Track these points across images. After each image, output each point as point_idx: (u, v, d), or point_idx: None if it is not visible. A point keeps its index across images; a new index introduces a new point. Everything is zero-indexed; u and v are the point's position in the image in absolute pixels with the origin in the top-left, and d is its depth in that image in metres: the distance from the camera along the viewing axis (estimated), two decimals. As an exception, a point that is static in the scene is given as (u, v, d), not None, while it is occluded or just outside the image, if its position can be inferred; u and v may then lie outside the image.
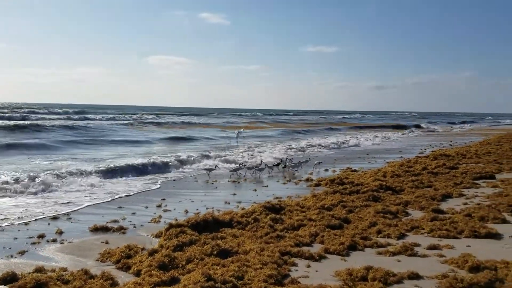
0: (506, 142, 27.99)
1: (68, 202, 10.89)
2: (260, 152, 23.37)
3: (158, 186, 13.60)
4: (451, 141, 34.77)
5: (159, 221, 8.97)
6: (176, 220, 8.50)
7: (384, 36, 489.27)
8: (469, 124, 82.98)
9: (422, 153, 24.03)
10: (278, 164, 17.29)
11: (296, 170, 16.83)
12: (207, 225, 7.81)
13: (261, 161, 17.56)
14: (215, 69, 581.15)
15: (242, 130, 17.15)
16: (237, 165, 16.91)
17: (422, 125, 67.26)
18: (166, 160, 18.11)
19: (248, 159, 19.88)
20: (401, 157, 21.77)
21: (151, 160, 17.79)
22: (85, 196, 11.64)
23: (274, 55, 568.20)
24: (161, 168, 17.05)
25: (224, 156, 20.51)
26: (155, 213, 9.78)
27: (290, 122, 71.94)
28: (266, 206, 9.04)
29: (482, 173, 14.26)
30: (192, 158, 19.11)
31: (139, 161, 17.56)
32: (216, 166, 16.54)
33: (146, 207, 10.39)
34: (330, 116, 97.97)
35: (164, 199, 11.30)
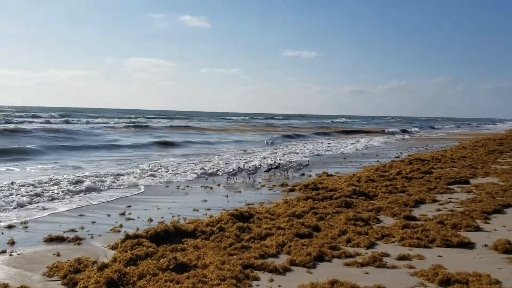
0: (482, 147, 28.31)
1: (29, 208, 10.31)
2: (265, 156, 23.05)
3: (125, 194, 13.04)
4: (427, 146, 35.06)
5: (119, 231, 8.45)
6: (138, 229, 8.03)
7: (362, 41, 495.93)
8: (450, 127, 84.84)
9: (398, 157, 24.05)
10: (277, 167, 17.42)
11: (298, 171, 17.36)
12: (168, 235, 7.36)
13: (260, 165, 17.65)
14: (195, 72, 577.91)
15: (273, 137, 17.09)
16: (233, 169, 16.49)
17: (410, 129, 68.46)
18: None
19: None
20: (377, 161, 21.69)
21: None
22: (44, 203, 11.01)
23: (254, 59, 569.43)
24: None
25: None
26: (116, 221, 9.24)
27: (280, 126, 71.89)
28: (234, 214, 8.63)
29: (456, 178, 14.18)
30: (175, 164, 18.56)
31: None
32: (239, 167, 16.05)
33: (109, 215, 9.84)
34: (319, 121, 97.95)
35: (129, 206, 10.77)
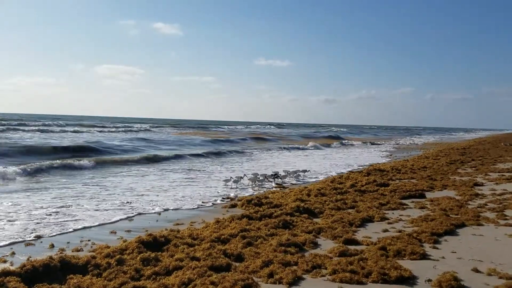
0: (444, 156, 27.91)
1: None
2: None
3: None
4: (391, 155, 34.61)
5: (5, 261, 6.96)
6: (29, 258, 6.61)
7: (333, 51, 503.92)
8: (417, 136, 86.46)
9: (361, 166, 23.24)
10: (275, 176, 17.44)
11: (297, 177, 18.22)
12: (50, 271, 5.94)
13: (260, 174, 17.54)
14: (167, 80, 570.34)
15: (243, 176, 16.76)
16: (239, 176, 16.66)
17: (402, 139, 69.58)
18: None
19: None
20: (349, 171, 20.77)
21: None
22: None
23: (227, 68, 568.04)
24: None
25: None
26: (11, 248, 7.73)
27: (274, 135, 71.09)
28: (144, 240, 7.27)
29: (412, 191, 13.28)
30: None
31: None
32: (244, 175, 16.92)
33: (3, 241, 8.29)
34: (300, 130, 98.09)
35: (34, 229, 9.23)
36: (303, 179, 18.52)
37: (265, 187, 16.00)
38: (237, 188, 15.39)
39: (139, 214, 10.93)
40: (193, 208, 11.88)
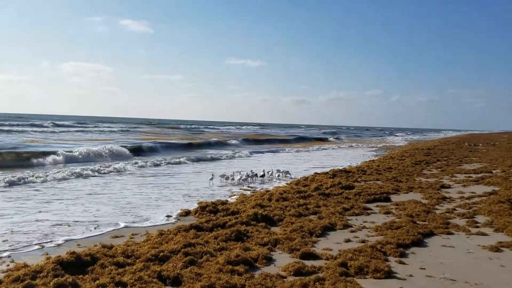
0: (409, 157, 27.65)
1: None
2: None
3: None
4: (363, 154, 34.35)
5: None
6: None
7: (304, 52, 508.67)
8: (384, 137, 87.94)
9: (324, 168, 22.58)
10: (263, 175, 17.88)
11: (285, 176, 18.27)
12: None
13: (251, 171, 17.75)
14: (136, 78, 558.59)
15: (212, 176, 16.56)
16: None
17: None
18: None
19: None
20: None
21: None
22: None
23: (197, 66, 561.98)
24: None
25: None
26: None
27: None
28: (63, 261, 6.11)
29: (377, 194, 12.59)
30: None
31: None
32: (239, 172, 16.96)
33: None
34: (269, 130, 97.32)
35: None
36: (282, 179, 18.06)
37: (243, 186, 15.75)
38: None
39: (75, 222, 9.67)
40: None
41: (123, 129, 64.64)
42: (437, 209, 10.69)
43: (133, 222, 9.87)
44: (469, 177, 16.99)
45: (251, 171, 17.60)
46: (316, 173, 18.19)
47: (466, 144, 45.40)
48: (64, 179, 16.41)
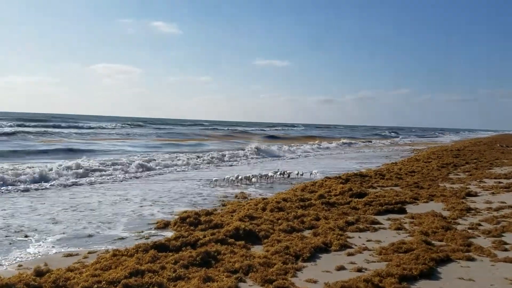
0: (436, 159, 25.49)
1: None
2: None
3: None
4: (387, 156, 32.30)
5: None
6: None
7: (333, 52, 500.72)
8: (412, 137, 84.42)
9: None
10: (275, 173, 18.37)
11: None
12: None
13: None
14: (164, 79, 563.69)
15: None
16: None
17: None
18: None
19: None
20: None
21: None
22: None
23: (225, 67, 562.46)
24: None
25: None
26: None
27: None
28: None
29: (391, 203, 10.90)
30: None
31: None
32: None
33: None
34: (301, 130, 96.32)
35: None
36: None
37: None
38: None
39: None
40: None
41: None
42: (458, 223, 8.94)
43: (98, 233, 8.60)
44: (499, 182, 14.97)
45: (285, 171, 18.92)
46: (327, 177, 16.51)
47: (498, 145, 42.42)
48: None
